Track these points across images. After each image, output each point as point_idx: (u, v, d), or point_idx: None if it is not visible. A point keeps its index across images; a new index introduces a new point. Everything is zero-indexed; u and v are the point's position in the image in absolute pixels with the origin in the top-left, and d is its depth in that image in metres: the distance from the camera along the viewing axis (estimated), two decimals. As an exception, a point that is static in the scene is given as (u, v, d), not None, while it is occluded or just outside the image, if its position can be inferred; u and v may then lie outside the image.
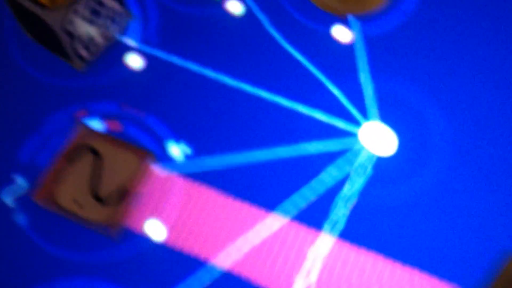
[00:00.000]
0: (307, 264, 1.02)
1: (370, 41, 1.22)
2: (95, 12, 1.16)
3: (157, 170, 1.10)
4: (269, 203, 1.07)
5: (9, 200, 1.08)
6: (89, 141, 1.10)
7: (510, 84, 1.17)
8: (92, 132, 1.12)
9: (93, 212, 1.05)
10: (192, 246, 1.04)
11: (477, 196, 1.06)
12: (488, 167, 1.08)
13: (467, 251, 1.02)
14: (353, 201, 1.06)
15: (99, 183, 1.07)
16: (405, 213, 1.05)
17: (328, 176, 1.09)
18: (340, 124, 1.14)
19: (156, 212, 1.07)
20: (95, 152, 1.09)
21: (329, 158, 1.11)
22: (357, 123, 1.14)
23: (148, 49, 1.23)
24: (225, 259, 1.02)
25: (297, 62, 1.21)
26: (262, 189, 1.09)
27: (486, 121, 1.13)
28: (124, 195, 1.05)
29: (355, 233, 1.04)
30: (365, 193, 1.07)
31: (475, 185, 1.07)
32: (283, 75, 1.21)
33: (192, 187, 1.09)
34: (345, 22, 1.23)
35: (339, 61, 1.21)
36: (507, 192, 1.06)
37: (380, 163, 1.09)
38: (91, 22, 1.16)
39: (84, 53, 1.19)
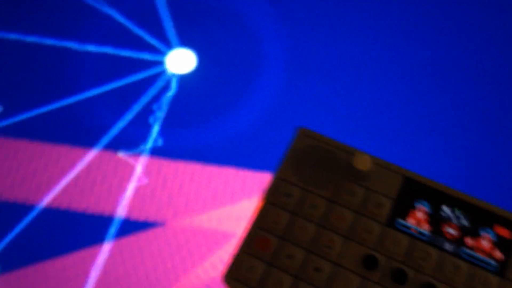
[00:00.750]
0: (127, 186, 1.06)
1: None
2: None
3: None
4: (86, 141, 1.10)
5: None
6: None
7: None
8: None
9: None
10: (14, 195, 1.05)
11: (277, 87, 1.15)
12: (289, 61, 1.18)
13: (271, 139, 1.10)
14: (163, 119, 1.12)
15: None
16: (208, 118, 1.12)
17: (139, 104, 1.14)
18: (146, 56, 1.20)
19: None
20: None
21: (139, 88, 1.16)
22: (161, 53, 1.20)
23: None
24: (49, 199, 1.05)
25: (95, 9, 1.25)
26: (76, 130, 1.12)
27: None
28: None
29: (169, 149, 1.09)
30: (173, 110, 1.13)
31: (276, 80, 1.16)
32: (84, 22, 1.24)
33: (5, 142, 1.10)
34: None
35: (140, 3, 1.26)
36: (305, 80, 1.15)
37: (184, 81, 1.16)
38: None
39: None
